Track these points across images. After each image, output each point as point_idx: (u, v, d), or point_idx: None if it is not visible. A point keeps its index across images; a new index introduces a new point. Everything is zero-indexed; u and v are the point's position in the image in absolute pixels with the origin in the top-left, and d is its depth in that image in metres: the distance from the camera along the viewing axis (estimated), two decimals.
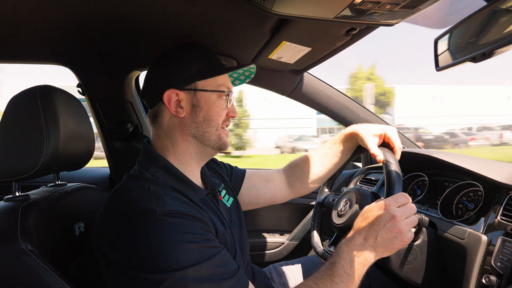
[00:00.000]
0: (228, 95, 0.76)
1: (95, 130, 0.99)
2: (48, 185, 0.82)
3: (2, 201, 0.66)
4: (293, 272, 1.08)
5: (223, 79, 0.76)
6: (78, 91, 1.21)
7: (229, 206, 0.85)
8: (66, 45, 0.99)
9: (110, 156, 1.36)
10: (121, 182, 0.68)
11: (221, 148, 0.76)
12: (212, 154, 0.78)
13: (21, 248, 0.56)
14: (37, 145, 0.66)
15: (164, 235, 0.55)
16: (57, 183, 0.84)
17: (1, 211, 0.62)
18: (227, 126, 0.78)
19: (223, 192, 0.86)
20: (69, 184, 0.85)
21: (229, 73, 0.81)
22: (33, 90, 0.69)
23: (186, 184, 0.69)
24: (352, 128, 0.92)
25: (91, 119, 1.31)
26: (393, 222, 0.64)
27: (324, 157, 0.98)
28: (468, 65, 0.63)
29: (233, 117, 0.78)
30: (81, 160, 0.82)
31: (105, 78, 1.20)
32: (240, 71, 0.82)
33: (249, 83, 1.28)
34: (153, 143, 0.74)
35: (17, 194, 0.68)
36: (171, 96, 0.71)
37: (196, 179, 0.77)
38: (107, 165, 1.44)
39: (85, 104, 1.08)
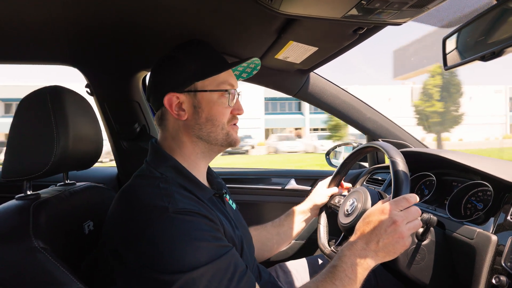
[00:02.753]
0: (231, 93, 0.73)
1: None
2: (57, 184, 0.83)
3: (14, 200, 0.67)
4: (299, 271, 1.08)
5: (225, 76, 0.73)
6: (87, 91, 1.23)
7: (234, 208, 0.86)
8: (75, 46, 1.01)
9: (117, 156, 1.38)
10: (129, 181, 0.68)
11: (231, 144, 0.75)
12: (220, 150, 0.77)
13: (34, 245, 0.57)
14: (47, 145, 0.67)
15: (176, 233, 0.56)
16: (66, 182, 0.85)
17: (13, 209, 0.63)
18: (235, 123, 0.76)
19: (227, 196, 0.86)
20: (78, 184, 0.86)
21: (232, 69, 0.78)
22: (43, 90, 0.70)
23: (195, 183, 0.69)
24: (310, 202, 1.06)
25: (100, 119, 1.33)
26: (394, 227, 0.64)
27: (280, 227, 1.05)
28: None
29: (238, 114, 0.75)
30: (89, 160, 0.83)
31: (113, 78, 1.21)
32: (245, 64, 0.78)
33: (255, 82, 1.29)
34: (161, 143, 0.75)
35: (28, 192, 0.69)
36: (171, 99, 0.70)
37: (204, 180, 0.77)
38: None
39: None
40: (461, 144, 20.49)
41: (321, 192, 1.06)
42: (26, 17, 0.79)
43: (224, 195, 0.80)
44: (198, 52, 0.74)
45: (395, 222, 0.64)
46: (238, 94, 0.75)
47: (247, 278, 0.60)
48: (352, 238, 0.69)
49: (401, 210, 0.67)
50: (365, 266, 0.65)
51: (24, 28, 0.85)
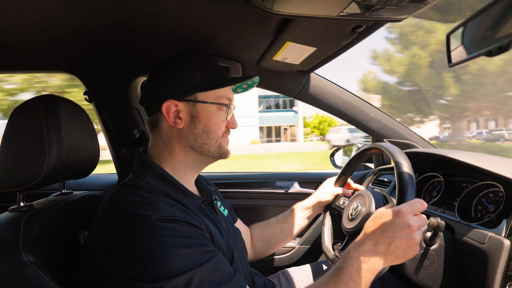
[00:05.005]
0: (229, 107, 0.75)
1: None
2: (54, 194, 0.83)
3: (7, 212, 0.66)
4: (303, 278, 1.05)
5: (225, 91, 0.75)
6: (85, 98, 1.23)
7: (226, 215, 0.84)
8: (72, 53, 1.00)
9: (117, 163, 1.37)
10: (114, 191, 0.67)
11: (222, 156, 0.76)
12: (210, 162, 0.77)
13: (23, 260, 0.56)
14: (39, 155, 0.66)
15: (159, 240, 0.55)
16: (63, 191, 0.84)
17: (4, 222, 0.62)
18: (227, 136, 0.77)
19: (219, 203, 0.85)
20: (75, 193, 0.85)
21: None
22: (36, 99, 0.70)
23: (181, 191, 0.68)
24: (315, 199, 1.04)
25: (99, 127, 1.32)
26: (408, 232, 0.61)
27: (284, 223, 1.04)
28: None
29: (232, 128, 0.77)
30: (86, 168, 0.81)
31: (111, 84, 1.21)
32: (249, 82, 0.81)
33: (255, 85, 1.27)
34: (150, 151, 0.74)
35: (21, 204, 0.68)
36: (170, 107, 0.70)
37: (192, 188, 0.77)
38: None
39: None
40: None
41: (328, 190, 1.04)
42: (23, 25, 0.78)
43: (215, 201, 0.79)
44: (203, 63, 0.75)
45: (409, 227, 0.61)
46: (234, 108, 0.78)
47: (237, 281, 0.60)
48: (359, 238, 0.66)
49: (415, 215, 0.64)
50: (372, 269, 0.61)
51: (18, 36, 0.84)
